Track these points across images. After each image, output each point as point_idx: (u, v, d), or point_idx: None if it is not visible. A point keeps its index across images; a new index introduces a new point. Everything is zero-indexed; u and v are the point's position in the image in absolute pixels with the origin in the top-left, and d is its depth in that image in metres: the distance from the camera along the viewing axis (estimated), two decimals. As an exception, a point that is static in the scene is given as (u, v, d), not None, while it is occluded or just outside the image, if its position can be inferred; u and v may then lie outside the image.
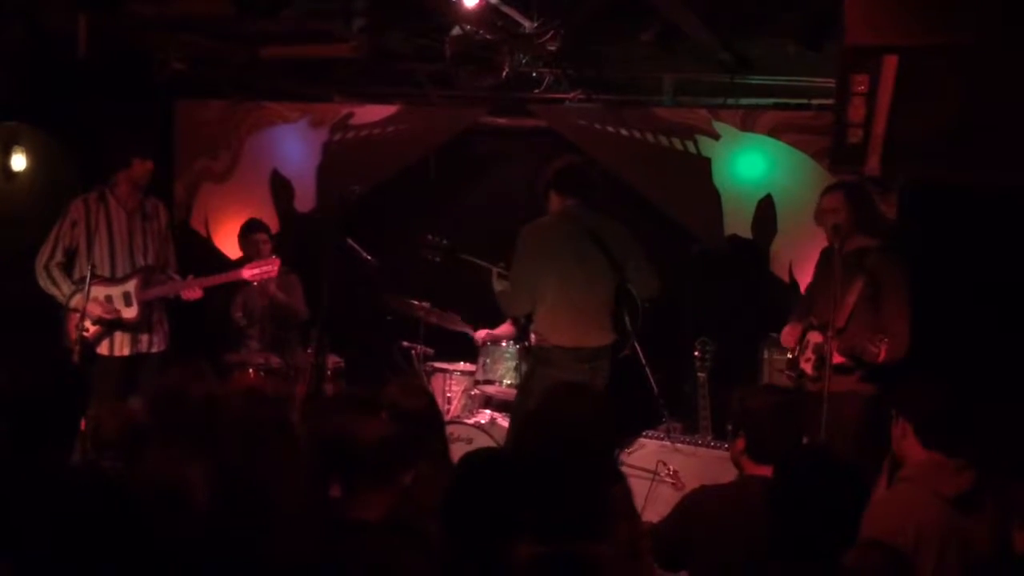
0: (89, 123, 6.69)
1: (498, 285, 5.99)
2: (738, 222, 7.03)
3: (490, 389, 6.66)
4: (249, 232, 7.00)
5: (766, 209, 6.97)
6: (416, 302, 6.91)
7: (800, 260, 6.75)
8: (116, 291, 5.84)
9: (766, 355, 6.41)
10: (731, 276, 6.99)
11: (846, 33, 4.49)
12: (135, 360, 5.91)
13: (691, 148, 7.07)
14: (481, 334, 6.82)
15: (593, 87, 7.02)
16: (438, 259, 6.60)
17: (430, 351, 7.06)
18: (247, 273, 6.15)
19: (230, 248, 7.65)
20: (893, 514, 3.40)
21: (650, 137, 7.13)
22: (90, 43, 5.84)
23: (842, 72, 4.65)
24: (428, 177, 7.68)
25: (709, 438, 5.92)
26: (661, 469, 5.70)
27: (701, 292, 6.80)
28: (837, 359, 4.97)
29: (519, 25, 5.77)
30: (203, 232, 7.98)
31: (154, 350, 5.98)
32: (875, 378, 5.10)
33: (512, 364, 6.53)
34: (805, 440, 3.81)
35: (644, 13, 5.80)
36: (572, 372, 5.33)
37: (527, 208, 6.05)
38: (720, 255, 6.97)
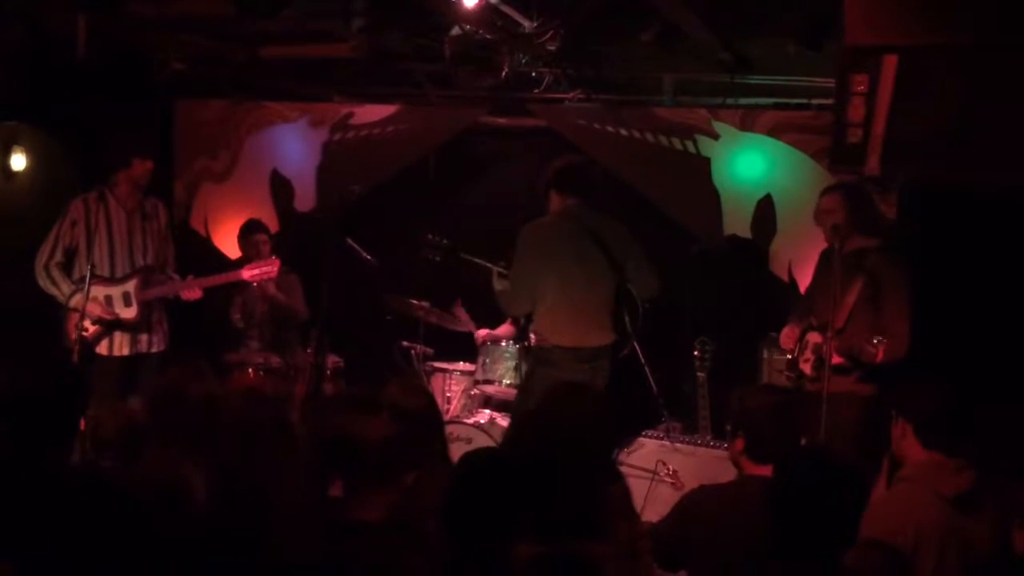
0: (89, 123, 6.69)
1: (498, 285, 5.99)
2: (737, 222, 7.04)
3: (489, 389, 6.66)
4: (249, 233, 6.99)
5: (765, 209, 6.98)
6: (415, 302, 6.91)
7: (799, 260, 6.75)
8: (116, 291, 5.84)
9: (765, 355, 6.42)
10: (730, 276, 6.99)
11: (846, 33, 4.48)
12: (134, 360, 5.91)
13: (691, 148, 7.07)
14: (481, 333, 6.82)
15: (593, 87, 7.02)
16: (438, 258, 6.60)
17: (430, 351, 7.07)
18: (247, 274, 6.15)
19: (229, 248, 7.66)
20: (893, 514, 3.40)
21: (650, 137, 7.13)
22: (90, 43, 5.83)
23: (842, 72, 4.65)
24: (428, 177, 7.68)
25: (708, 438, 5.92)
26: (660, 469, 5.70)
27: (700, 292, 6.79)
28: (836, 360, 4.97)
29: (519, 25, 5.77)
30: (203, 232, 7.98)
31: (153, 350, 5.98)
32: (874, 379, 5.11)
33: (512, 364, 6.53)
34: (804, 440, 3.81)
35: (644, 13, 5.79)
36: (572, 372, 5.32)
37: (527, 208, 6.06)
38: (719, 255, 6.97)
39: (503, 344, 6.62)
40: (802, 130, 6.81)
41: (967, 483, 3.45)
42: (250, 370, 6.46)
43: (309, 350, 6.34)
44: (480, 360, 6.66)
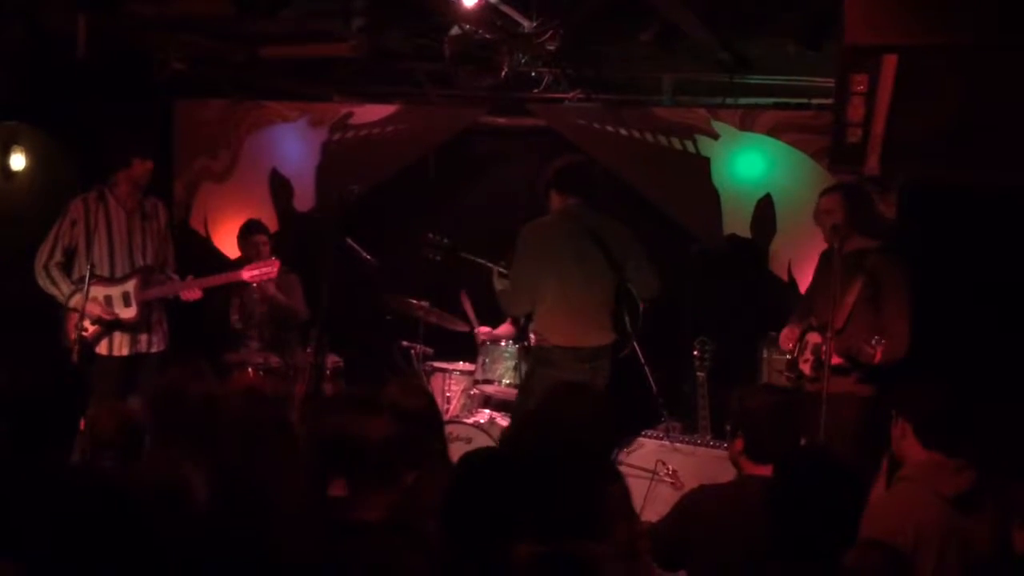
0: (89, 123, 6.69)
1: (499, 284, 5.99)
2: (737, 221, 7.03)
3: (489, 389, 6.66)
4: (249, 233, 6.99)
5: (765, 208, 6.97)
6: (415, 301, 6.91)
7: (799, 259, 6.75)
8: (115, 291, 5.84)
9: (765, 355, 6.42)
10: (730, 276, 6.99)
11: (845, 33, 4.48)
12: (134, 360, 5.91)
13: (690, 148, 7.07)
14: (482, 331, 6.81)
15: (592, 87, 7.02)
16: (439, 258, 6.59)
17: (429, 351, 7.06)
18: (247, 274, 6.15)
19: (229, 248, 7.66)
20: (893, 514, 3.40)
21: (649, 137, 7.13)
22: (90, 43, 5.83)
23: (841, 72, 4.65)
24: (427, 177, 7.68)
25: (708, 438, 5.92)
26: (660, 469, 5.70)
27: (700, 292, 6.79)
28: (835, 360, 4.97)
29: (518, 25, 5.77)
30: (202, 231, 7.98)
31: (153, 350, 5.98)
32: (873, 379, 5.11)
33: (511, 364, 6.53)
34: (804, 441, 3.81)
35: (643, 13, 5.79)
36: (572, 372, 5.32)
37: (526, 208, 6.06)
38: (719, 254, 6.97)
39: (503, 344, 6.62)
40: (802, 130, 6.81)
41: (967, 483, 3.45)
42: (250, 370, 6.46)
43: (309, 350, 6.33)
44: (480, 360, 6.66)
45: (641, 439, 5.86)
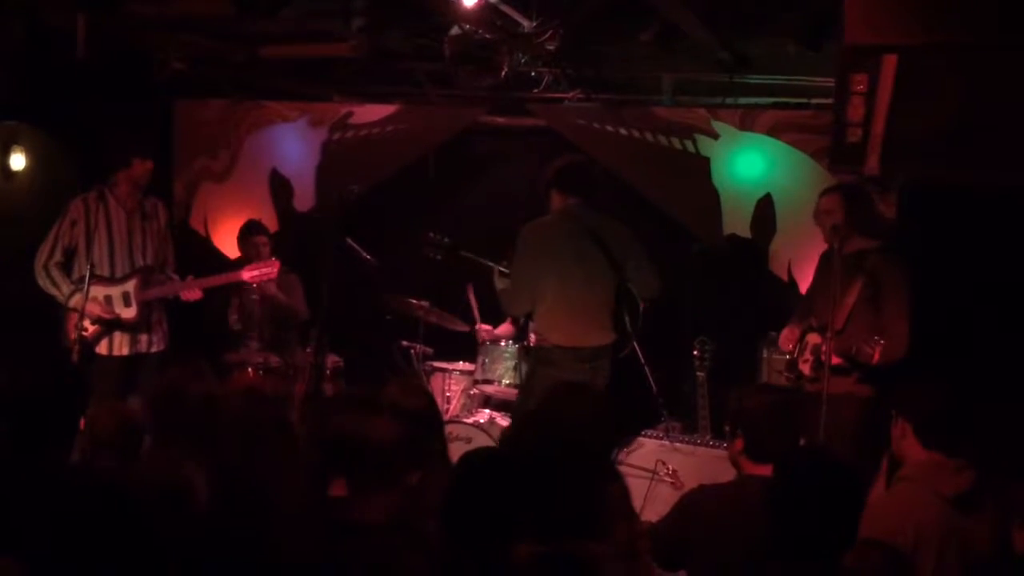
0: (89, 123, 6.69)
1: (500, 284, 5.99)
2: (737, 221, 7.03)
3: (489, 388, 6.67)
4: (249, 234, 6.99)
5: (765, 208, 6.97)
6: (415, 301, 6.91)
7: (799, 259, 6.75)
8: (115, 291, 5.84)
9: (765, 354, 6.42)
10: (730, 275, 6.99)
11: (845, 32, 4.48)
12: (134, 360, 5.91)
13: (690, 147, 7.07)
14: (484, 328, 6.80)
15: (592, 86, 7.02)
16: (440, 257, 6.59)
17: (429, 350, 7.07)
18: (247, 275, 6.16)
19: (229, 247, 7.66)
20: (893, 514, 3.40)
21: (649, 136, 7.13)
22: (90, 43, 5.83)
23: (841, 71, 4.65)
24: (427, 176, 7.68)
25: (708, 437, 5.92)
26: (660, 468, 5.70)
27: (700, 291, 6.80)
28: (835, 360, 4.97)
29: (518, 24, 5.77)
30: (202, 231, 7.98)
31: (153, 350, 5.98)
32: (873, 380, 5.11)
33: (511, 364, 6.53)
34: (803, 440, 3.81)
35: (643, 13, 5.79)
36: (572, 372, 5.32)
37: (526, 207, 6.05)
38: (719, 254, 6.97)
39: (502, 344, 6.62)
40: (802, 130, 6.81)
41: (967, 483, 3.45)
42: (250, 370, 6.46)
43: (309, 350, 6.34)
44: (479, 360, 6.66)
45: (641, 439, 5.86)
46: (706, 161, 7.04)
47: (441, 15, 5.82)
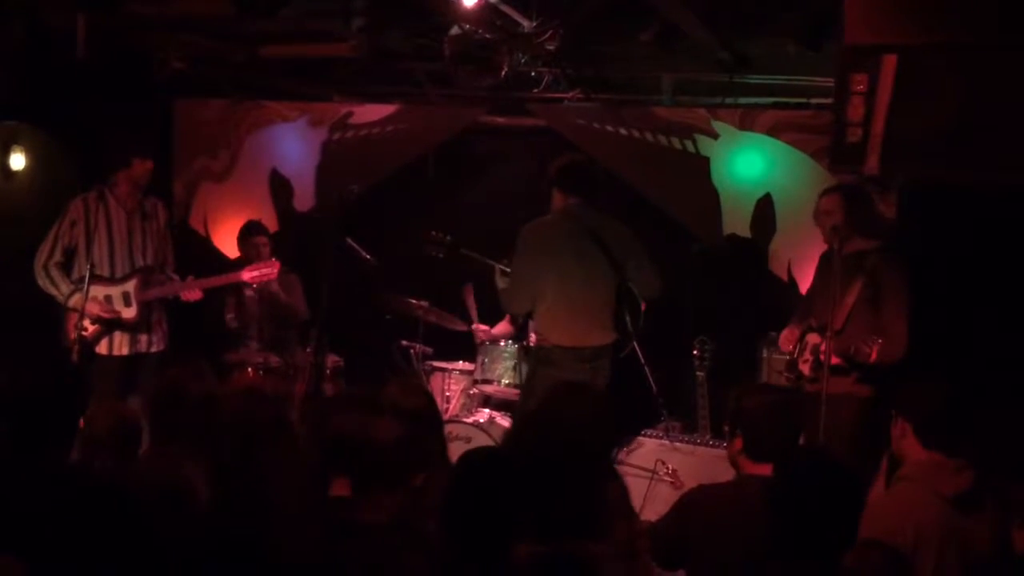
0: (89, 123, 6.69)
1: (501, 282, 5.98)
2: (737, 221, 7.03)
3: (489, 388, 6.66)
4: (249, 234, 6.99)
5: (765, 208, 6.97)
6: (415, 301, 6.91)
7: (799, 259, 6.75)
8: (115, 291, 5.84)
9: (765, 354, 6.42)
10: (730, 275, 6.99)
11: (845, 32, 4.49)
12: (134, 360, 5.91)
13: (690, 147, 7.07)
14: (481, 327, 6.80)
15: (592, 86, 7.02)
16: (441, 255, 6.59)
17: (429, 350, 7.07)
18: (247, 275, 6.16)
19: (229, 247, 7.66)
20: (892, 514, 3.40)
21: (649, 136, 7.13)
22: (89, 43, 5.84)
23: (841, 71, 4.65)
24: (427, 176, 7.68)
25: (708, 437, 5.92)
26: (660, 468, 5.70)
27: (700, 292, 6.79)
28: (834, 360, 4.97)
29: (518, 24, 5.77)
30: (202, 231, 7.98)
31: (153, 350, 5.98)
32: (872, 380, 5.11)
33: (511, 363, 6.54)
34: (803, 440, 3.81)
35: (643, 12, 5.79)
36: (573, 372, 5.32)
37: (526, 207, 6.05)
38: (719, 254, 6.97)
39: (502, 344, 6.62)
40: (801, 129, 6.80)
41: (967, 483, 3.45)
42: (249, 369, 6.46)
43: (308, 349, 6.34)
44: (479, 360, 6.66)
45: (641, 438, 5.86)
46: (706, 161, 7.04)
47: (441, 15, 5.83)
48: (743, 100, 6.94)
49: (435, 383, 6.93)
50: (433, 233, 6.61)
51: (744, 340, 6.58)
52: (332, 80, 7.49)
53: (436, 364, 7.04)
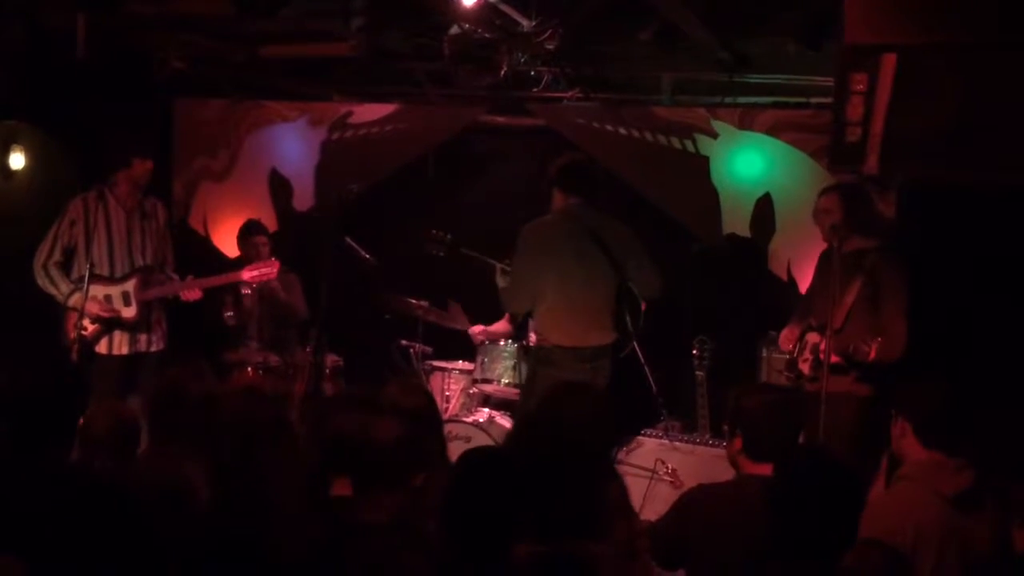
0: (89, 123, 6.69)
1: (502, 282, 5.98)
2: (736, 221, 7.03)
3: (488, 388, 6.67)
4: (248, 234, 6.99)
5: (764, 208, 6.97)
6: (414, 301, 6.91)
7: (798, 259, 6.75)
8: (115, 290, 5.83)
9: (765, 354, 6.42)
10: (729, 275, 6.99)
11: (845, 32, 4.49)
12: (134, 359, 5.90)
13: (689, 147, 7.06)
14: (476, 330, 6.80)
15: (592, 86, 7.02)
16: (442, 254, 6.58)
17: (428, 350, 7.07)
18: (247, 275, 6.16)
19: (228, 247, 7.66)
20: (892, 513, 3.40)
21: (648, 136, 7.13)
22: (89, 43, 5.84)
23: (841, 71, 4.65)
24: (427, 176, 7.68)
25: (707, 437, 5.93)
26: (659, 467, 5.70)
27: (700, 291, 6.80)
28: (834, 359, 4.97)
29: (517, 24, 5.77)
30: (201, 231, 7.98)
31: (153, 349, 5.98)
32: (872, 379, 5.11)
33: (510, 363, 6.54)
34: (802, 439, 3.81)
35: (643, 12, 5.80)
36: (573, 372, 5.32)
37: (526, 207, 6.05)
38: (719, 254, 6.97)
39: (501, 343, 6.62)
40: (801, 129, 6.80)
41: (967, 482, 3.45)
42: (249, 369, 6.46)
43: (308, 349, 6.34)
44: (479, 359, 6.66)
45: (641, 438, 5.87)
46: (705, 160, 7.04)
47: (441, 15, 5.83)
48: (743, 100, 6.94)
49: (435, 383, 6.93)
50: (433, 232, 6.60)
51: (744, 339, 6.58)
52: (332, 80, 7.49)
53: (436, 364, 7.04)
